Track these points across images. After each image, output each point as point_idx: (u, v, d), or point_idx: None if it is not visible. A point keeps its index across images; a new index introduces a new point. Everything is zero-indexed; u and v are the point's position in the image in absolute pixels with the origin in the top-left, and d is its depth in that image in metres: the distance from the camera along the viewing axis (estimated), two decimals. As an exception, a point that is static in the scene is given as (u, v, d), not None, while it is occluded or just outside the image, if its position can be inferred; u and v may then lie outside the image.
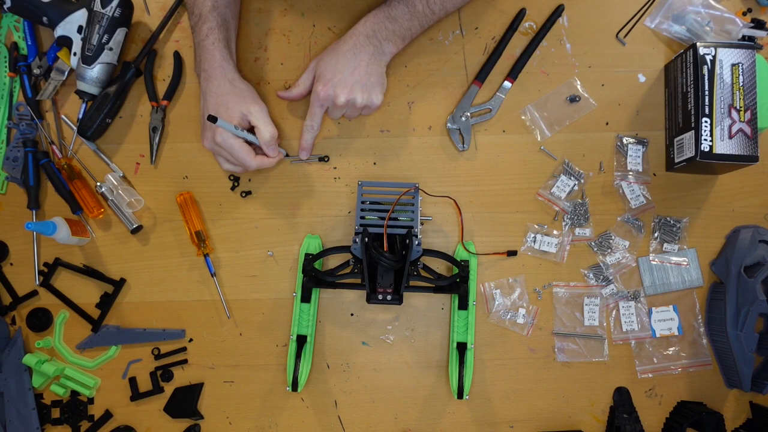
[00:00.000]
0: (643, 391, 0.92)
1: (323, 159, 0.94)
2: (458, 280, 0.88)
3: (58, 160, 0.93)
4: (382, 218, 0.88)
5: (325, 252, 0.90)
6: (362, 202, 0.90)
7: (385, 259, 0.84)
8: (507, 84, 0.94)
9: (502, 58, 0.95)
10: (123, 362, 0.93)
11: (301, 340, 0.89)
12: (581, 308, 0.92)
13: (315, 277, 0.88)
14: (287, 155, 0.93)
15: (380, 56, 0.88)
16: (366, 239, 0.86)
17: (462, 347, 0.88)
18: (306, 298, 0.90)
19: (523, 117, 0.94)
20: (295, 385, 0.87)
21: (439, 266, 0.93)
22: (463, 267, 0.89)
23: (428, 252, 0.89)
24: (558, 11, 0.94)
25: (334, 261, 0.94)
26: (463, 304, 0.89)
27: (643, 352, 0.92)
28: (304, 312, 0.90)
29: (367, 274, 0.85)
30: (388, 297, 0.85)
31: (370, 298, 0.85)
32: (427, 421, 0.92)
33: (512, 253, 0.92)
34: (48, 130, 0.95)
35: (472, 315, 0.89)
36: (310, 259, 0.89)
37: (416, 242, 0.87)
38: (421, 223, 0.91)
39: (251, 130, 0.86)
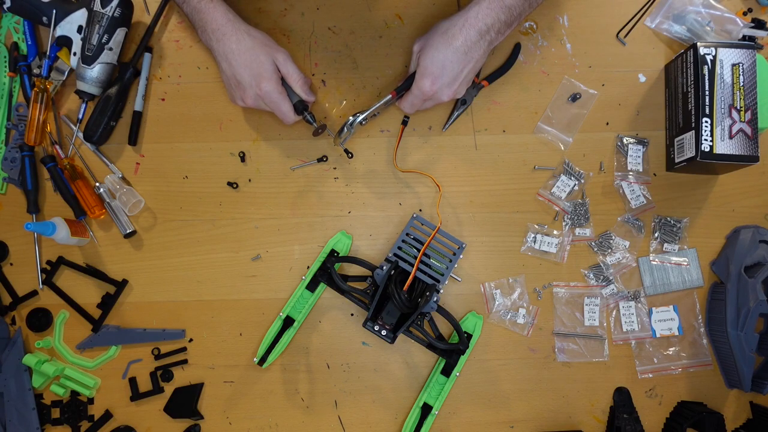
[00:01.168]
0: (644, 391, 0.92)
1: (322, 159, 0.94)
2: (454, 350, 0.88)
3: (60, 160, 0.93)
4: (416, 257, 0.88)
5: (351, 259, 0.89)
6: (407, 234, 0.90)
7: (399, 302, 0.84)
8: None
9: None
10: (123, 362, 0.93)
11: (288, 323, 0.89)
12: (581, 308, 0.92)
13: (329, 275, 0.89)
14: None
15: (489, 51, 0.84)
16: (392, 272, 0.86)
17: (426, 409, 0.88)
18: (312, 287, 0.90)
19: (539, 136, 0.94)
20: (262, 361, 0.87)
21: (442, 322, 0.92)
22: (465, 340, 0.87)
23: (442, 311, 0.86)
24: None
25: (352, 269, 0.93)
26: (447, 372, 0.89)
27: (644, 353, 0.92)
28: (303, 298, 0.90)
29: (375, 303, 0.84)
30: (383, 332, 0.85)
31: (367, 324, 0.85)
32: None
33: None
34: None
35: (450, 384, 0.89)
36: (334, 257, 0.89)
37: (435, 298, 0.85)
38: (449, 280, 0.91)
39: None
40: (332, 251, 0.91)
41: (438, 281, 0.88)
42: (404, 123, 0.93)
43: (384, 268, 0.86)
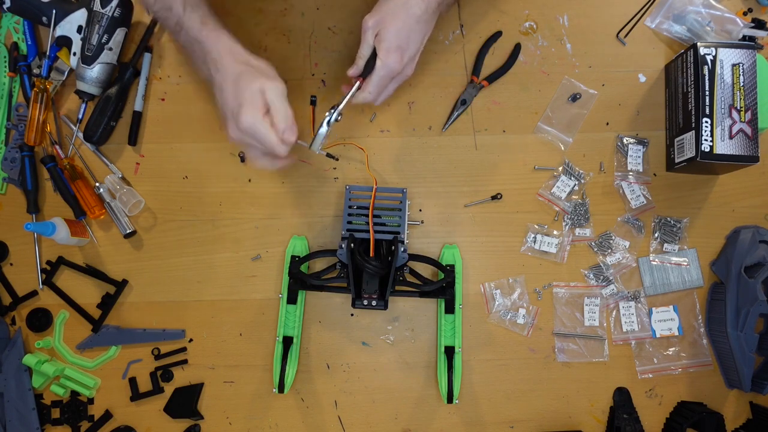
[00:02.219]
0: (644, 391, 0.92)
1: (332, 157, 0.91)
2: (444, 285, 0.88)
3: (60, 160, 0.93)
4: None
5: (312, 255, 0.90)
6: (349, 207, 0.90)
7: (371, 267, 0.84)
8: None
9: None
10: (123, 362, 0.93)
11: (287, 342, 0.89)
12: (581, 308, 0.92)
13: (301, 280, 0.88)
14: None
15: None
16: (352, 245, 0.86)
17: (450, 351, 0.88)
18: (292, 299, 0.90)
19: (539, 135, 0.94)
20: (281, 387, 0.87)
21: (425, 269, 0.92)
22: (449, 272, 0.88)
23: (414, 257, 0.88)
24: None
25: (321, 262, 0.93)
26: (450, 308, 0.89)
27: (644, 353, 0.92)
28: (290, 314, 0.90)
29: (353, 280, 0.84)
30: (373, 302, 0.85)
31: (356, 304, 0.85)
32: (427, 421, 0.92)
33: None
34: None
35: (459, 318, 0.89)
36: (296, 261, 0.89)
37: (402, 249, 0.85)
38: (409, 228, 0.91)
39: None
40: (293, 257, 0.91)
41: (398, 233, 0.88)
42: (313, 103, 0.85)
43: (342, 246, 0.86)
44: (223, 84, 0.75)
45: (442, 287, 0.88)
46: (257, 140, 0.74)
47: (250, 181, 0.94)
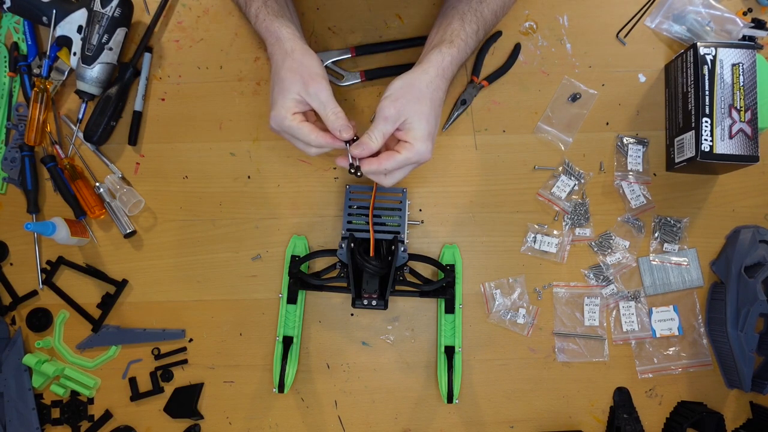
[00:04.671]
0: (644, 391, 0.92)
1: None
2: (444, 285, 0.88)
3: (60, 160, 0.93)
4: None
5: (312, 255, 0.90)
6: (350, 207, 0.90)
7: (371, 266, 0.84)
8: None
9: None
10: (123, 362, 0.93)
11: (288, 342, 0.89)
12: (581, 308, 0.92)
13: (301, 280, 0.88)
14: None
15: None
16: (352, 245, 0.86)
17: (450, 351, 0.88)
18: (292, 299, 0.90)
19: (539, 135, 0.94)
20: (281, 387, 0.87)
21: (425, 269, 0.93)
22: (449, 272, 0.89)
23: (414, 257, 0.89)
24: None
25: (321, 262, 0.93)
26: (450, 308, 0.90)
27: (644, 352, 0.92)
28: (290, 313, 0.90)
29: (353, 280, 0.84)
30: (373, 302, 0.85)
31: (355, 303, 0.85)
32: (427, 421, 0.92)
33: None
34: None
35: (459, 318, 0.89)
36: (296, 261, 0.89)
37: (402, 248, 0.85)
38: (409, 228, 0.91)
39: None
40: (293, 257, 0.91)
41: (398, 233, 0.88)
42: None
43: (342, 245, 0.86)
44: (271, 77, 0.77)
45: (442, 287, 0.88)
46: (298, 138, 0.76)
47: (249, 178, 0.94)
